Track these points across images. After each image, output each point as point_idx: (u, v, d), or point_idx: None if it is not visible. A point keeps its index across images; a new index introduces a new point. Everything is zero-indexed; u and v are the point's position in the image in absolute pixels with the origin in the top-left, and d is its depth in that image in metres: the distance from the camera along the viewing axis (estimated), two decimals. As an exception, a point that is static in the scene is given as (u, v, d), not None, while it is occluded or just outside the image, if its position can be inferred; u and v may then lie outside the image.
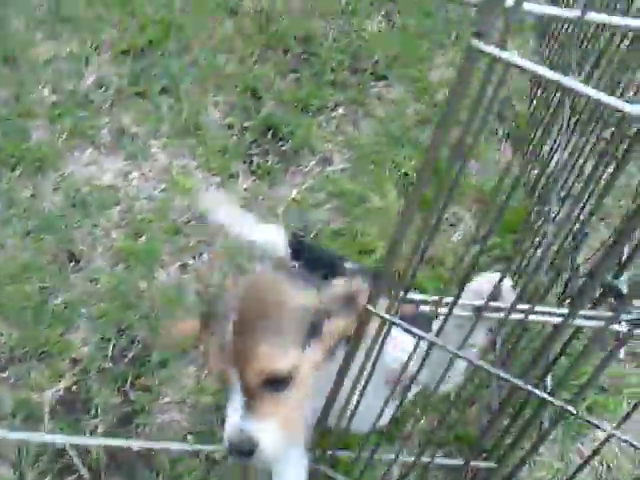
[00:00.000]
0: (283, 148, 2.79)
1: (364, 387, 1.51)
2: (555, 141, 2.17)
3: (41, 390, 2.30)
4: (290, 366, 1.50)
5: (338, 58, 2.95)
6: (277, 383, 1.50)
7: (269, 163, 2.76)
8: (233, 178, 2.72)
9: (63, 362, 2.31)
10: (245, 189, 2.70)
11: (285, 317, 1.50)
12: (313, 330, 1.52)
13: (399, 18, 3.03)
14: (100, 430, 2.19)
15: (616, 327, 1.31)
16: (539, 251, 2.05)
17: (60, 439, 2.11)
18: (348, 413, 1.60)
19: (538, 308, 1.35)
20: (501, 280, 1.27)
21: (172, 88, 2.84)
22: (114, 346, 2.39)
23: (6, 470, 2.20)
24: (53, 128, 2.74)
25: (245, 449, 1.50)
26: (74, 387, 2.34)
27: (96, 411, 2.29)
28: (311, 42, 3.00)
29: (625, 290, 1.50)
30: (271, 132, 2.83)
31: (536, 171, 2.41)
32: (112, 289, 2.42)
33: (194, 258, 2.56)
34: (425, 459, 1.69)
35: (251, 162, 2.77)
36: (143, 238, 2.56)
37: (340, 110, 2.83)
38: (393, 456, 1.73)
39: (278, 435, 1.51)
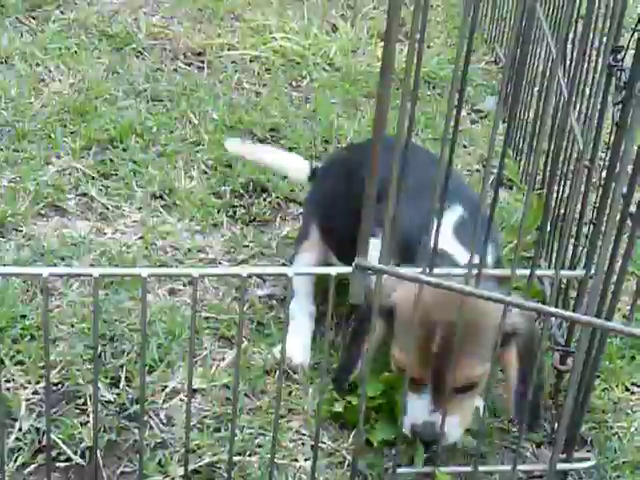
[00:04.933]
0: (268, 200, 2.62)
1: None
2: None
3: (17, 389, 1.91)
4: (480, 376, 1.82)
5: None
6: (464, 388, 1.82)
7: (255, 211, 2.56)
8: (216, 227, 2.51)
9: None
10: (231, 234, 2.47)
11: (486, 335, 1.78)
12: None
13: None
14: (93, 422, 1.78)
15: None
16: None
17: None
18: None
19: None
20: None
21: (140, 171, 2.70)
22: (101, 353, 2.03)
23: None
24: (13, 197, 2.53)
25: (428, 438, 1.83)
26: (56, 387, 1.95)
27: (85, 403, 1.89)
28: (277, 130, 2.95)
29: None
30: (253, 188, 2.65)
31: None
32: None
33: (184, 285, 2.28)
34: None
35: (234, 213, 2.57)
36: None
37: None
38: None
39: (458, 430, 1.85)
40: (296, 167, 2.56)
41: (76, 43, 3.44)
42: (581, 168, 1.78)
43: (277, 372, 2.06)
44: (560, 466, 1.84)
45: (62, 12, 3.71)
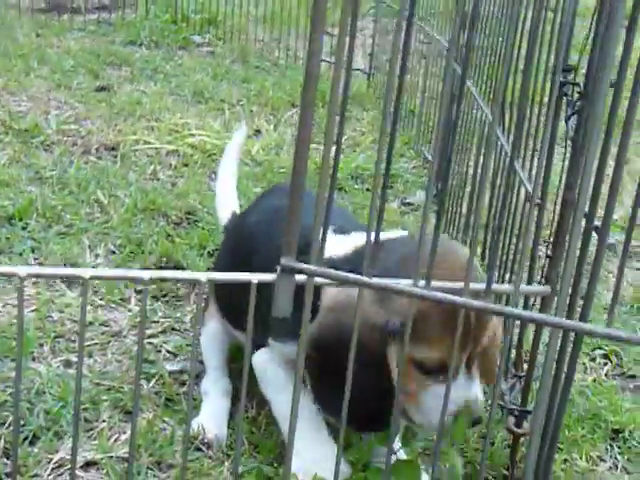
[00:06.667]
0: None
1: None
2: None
3: None
4: None
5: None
6: None
7: (168, 287, 2.30)
8: (123, 301, 2.23)
9: None
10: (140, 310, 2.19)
11: None
12: None
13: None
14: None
15: None
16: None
17: None
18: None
19: None
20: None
21: (39, 247, 2.43)
22: (-22, 424, 1.72)
23: None
24: None
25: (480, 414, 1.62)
26: None
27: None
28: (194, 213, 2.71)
29: None
30: (166, 264, 2.40)
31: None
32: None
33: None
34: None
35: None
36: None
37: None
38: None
39: None
40: (224, 206, 2.35)
41: (-21, 135, 3.22)
42: (532, 208, 1.58)
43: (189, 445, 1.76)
44: (524, 537, 1.54)
45: (-34, 110, 3.50)
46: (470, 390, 1.60)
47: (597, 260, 1.42)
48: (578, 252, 1.45)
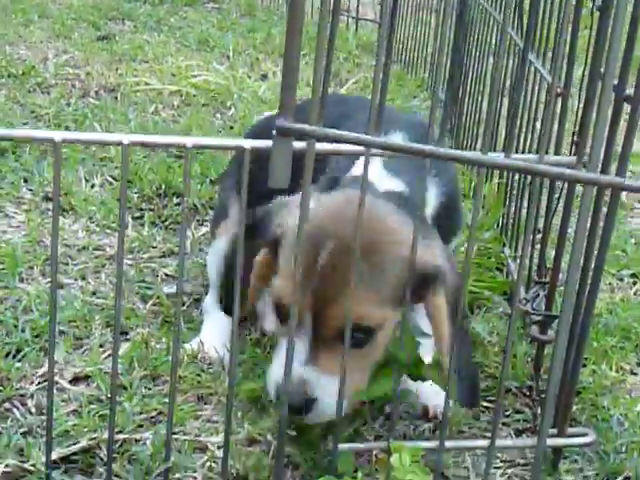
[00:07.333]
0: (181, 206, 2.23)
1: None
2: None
3: None
4: (378, 321, 1.38)
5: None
6: (356, 339, 1.35)
7: (167, 214, 2.17)
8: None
9: None
10: (138, 235, 2.07)
11: (391, 267, 1.37)
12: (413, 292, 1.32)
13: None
14: None
15: None
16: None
17: None
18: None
19: None
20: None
21: (32, 178, 2.33)
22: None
23: None
24: None
25: (297, 402, 1.35)
26: None
27: None
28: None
29: None
30: (165, 192, 2.27)
31: None
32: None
33: (75, 279, 1.86)
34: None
35: (142, 216, 2.17)
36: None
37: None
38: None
39: (332, 402, 1.31)
40: None
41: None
42: (553, 97, 1.44)
43: (186, 362, 1.64)
44: (551, 441, 1.41)
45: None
46: (296, 366, 1.29)
47: (630, 128, 1.28)
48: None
